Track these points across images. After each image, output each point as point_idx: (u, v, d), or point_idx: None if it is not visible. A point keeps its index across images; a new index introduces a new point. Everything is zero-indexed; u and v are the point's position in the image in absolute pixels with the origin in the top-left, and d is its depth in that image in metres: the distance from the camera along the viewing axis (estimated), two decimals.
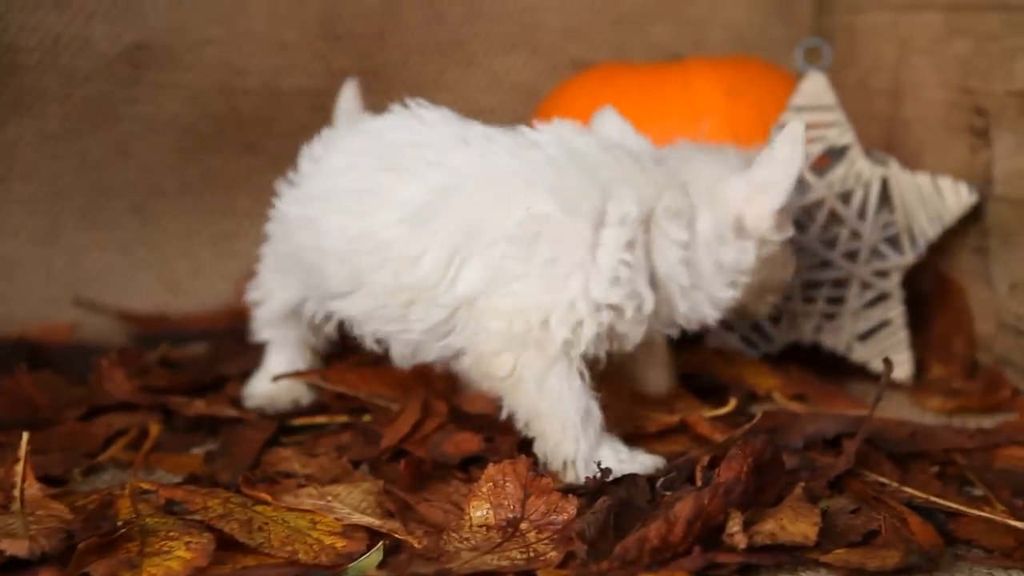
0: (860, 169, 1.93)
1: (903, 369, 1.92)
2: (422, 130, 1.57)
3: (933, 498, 1.40)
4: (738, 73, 2.14)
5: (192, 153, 2.27)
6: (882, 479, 1.45)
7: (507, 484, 1.34)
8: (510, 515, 1.33)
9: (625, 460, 1.50)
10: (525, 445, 1.55)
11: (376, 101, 2.25)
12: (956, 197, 1.91)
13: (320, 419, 1.72)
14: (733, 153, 1.62)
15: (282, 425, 1.69)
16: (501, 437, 1.55)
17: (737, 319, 1.72)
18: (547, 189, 1.47)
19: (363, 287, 1.55)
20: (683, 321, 1.58)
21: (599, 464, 1.45)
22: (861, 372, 1.95)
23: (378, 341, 1.60)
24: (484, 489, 1.34)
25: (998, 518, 1.35)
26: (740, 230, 1.55)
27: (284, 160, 2.15)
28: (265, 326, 1.79)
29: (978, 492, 1.48)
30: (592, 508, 1.32)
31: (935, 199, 1.92)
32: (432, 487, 1.47)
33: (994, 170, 1.91)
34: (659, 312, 1.53)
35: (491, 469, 1.35)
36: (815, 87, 1.94)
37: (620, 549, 1.19)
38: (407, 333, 1.55)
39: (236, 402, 1.78)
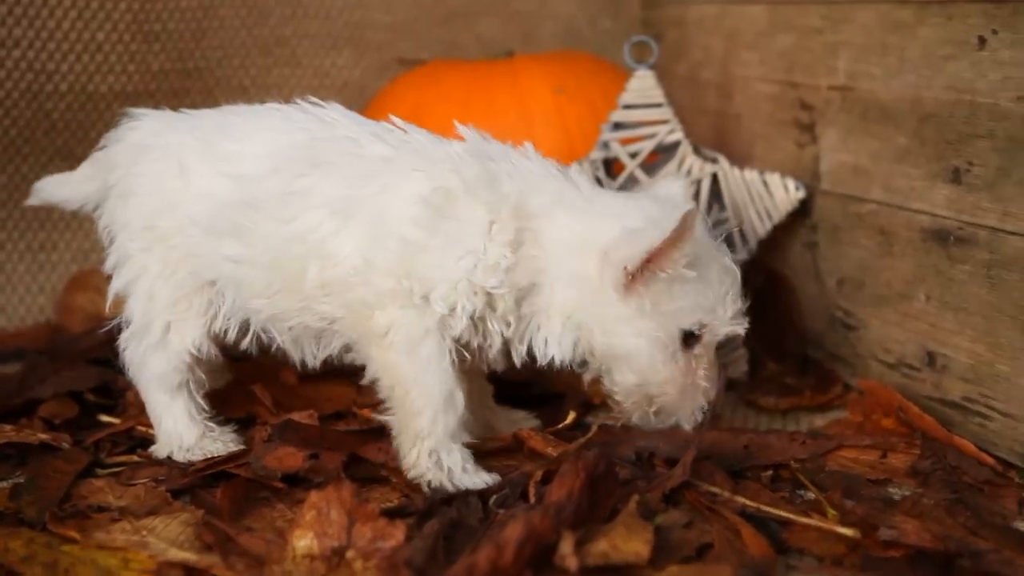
0: (690, 166, 1.92)
1: (739, 367, 1.92)
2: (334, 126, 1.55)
3: (765, 507, 1.39)
4: (567, 69, 2.12)
5: (0, 160, 2.15)
6: (715, 489, 1.43)
7: (331, 511, 1.29)
8: (335, 544, 1.27)
9: (469, 471, 1.47)
10: (352, 463, 1.51)
11: (195, 102, 2.18)
12: (784, 193, 1.91)
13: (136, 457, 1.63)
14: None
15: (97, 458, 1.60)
16: (327, 454, 1.50)
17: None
18: (457, 173, 1.48)
19: (287, 288, 1.50)
20: (530, 348, 1.53)
21: (429, 483, 1.41)
22: None
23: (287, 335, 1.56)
24: (307, 517, 1.28)
25: (827, 526, 1.34)
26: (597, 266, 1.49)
27: None
28: (165, 378, 1.61)
29: (811, 495, 1.47)
30: (421, 532, 1.28)
31: (764, 196, 1.92)
32: (255, 512, 1.41)
33: (820, 165, 1.92)
34: (517, 327, 1.51)
35: (314, 496, 1.29)
36: (643, 84, 1.93)
37: None
38: (320, 322, 1.53)
39: (52, 426, 1.68)
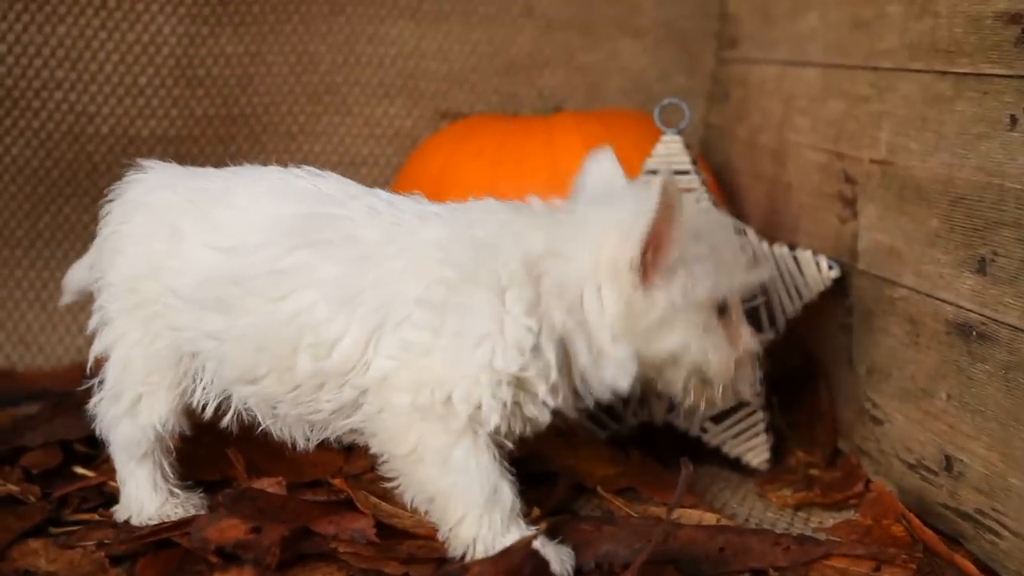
0: None
1: (757, 455, 1.80)
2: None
3: None
4: (605, 128, 2.02)
5: (43, 201, 2.16)
6: None
7: None
8: None
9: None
10: (300, 537, 1.44)
11: (241, 148, 2.16)
12: (816, 272, 1.79)
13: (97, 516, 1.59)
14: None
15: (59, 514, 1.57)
16: (271, 527, 1.44)
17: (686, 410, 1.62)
18: (446, 259, 1.40)
19: (276, 373, 1.44)
20: (594, 389, 1.45)
21: None
22: (718, 454, 1.83)
23: (274, 421, 1.51)
24: None
25: None
26: (609, 275, 1.41)
27: None
28: (132, 446, 1.56)
29: None
30: None
31: (795, 273, 1.80)
32: None
33: (859, 243, 1.79)
34: (567, 380, 1.43)
35: None
36: (669, 150, 1.83)
37: None
38: (315, 415, 1.46)
39: (30, 476, 1.66)
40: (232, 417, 1.53)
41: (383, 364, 1.39)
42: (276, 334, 1.42)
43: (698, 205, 1.52)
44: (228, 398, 1.52)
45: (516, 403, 1.39)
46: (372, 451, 1.45)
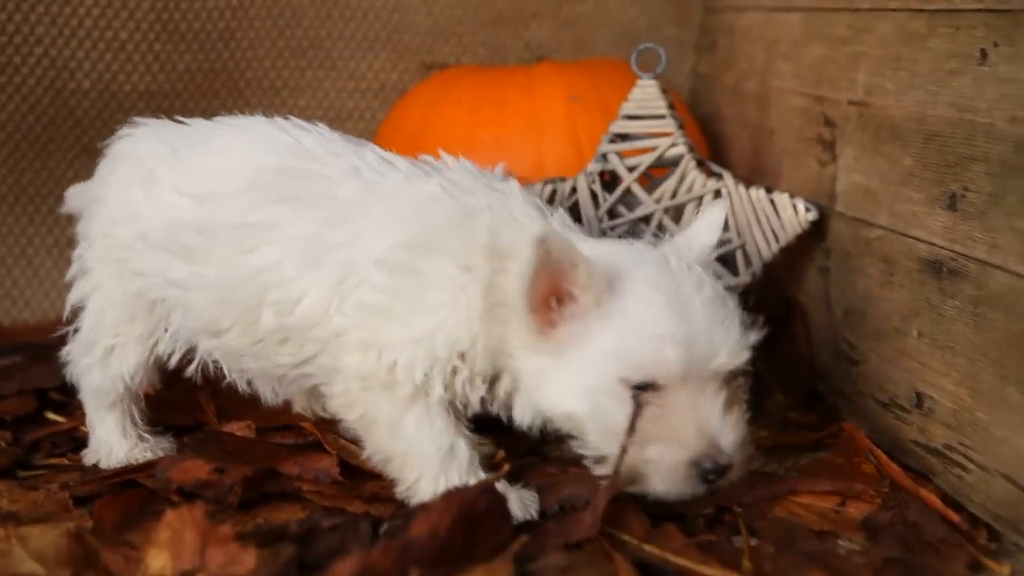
0: (692, 182, 1.79)
1: None
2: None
3: (671, 557, 1.27)
4: (587, 77, 2.01)
5: (26, 156, 2.16)
6: (625, 536, 1.31)
7: (186, 532, 1.22)
8: (188, 566, 1.21)
9: None
10: (264, 477, 1.44)
11: (225, 103, 2.15)
12: (793, 214, 1.77)
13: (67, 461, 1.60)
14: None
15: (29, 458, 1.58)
16: (234, 467, 1.44)
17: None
18: (419, 223, 1.36)
19: (239, 327, 1.43)
20: (520, 408, 1.38)
21: None
22: None
23: (240, 375, 1.51)
24: (163, 537, 1.22)
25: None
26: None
27: None
28: (102, 393, 1.57)
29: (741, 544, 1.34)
30: (275, 559, 1.21)
31: (772, 216, 1.78)
32: (144, 525, 1.35)
33: (837, 186, 1.77)
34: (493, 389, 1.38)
35: (169, 515, 1.23)
36: (645, 94, 1.81)
37: None
38: (277, 369, 1.45)
39: (2, 423, 1.67)
40: (197, 367, 1.52)
41: (340, 322, 1.37)
42: (241, 287, 1.41)
43: (674, 262, 1.32)
44: (194, 348, 1.52)
45: (456, 376, 1.36)
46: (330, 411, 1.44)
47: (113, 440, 1.56)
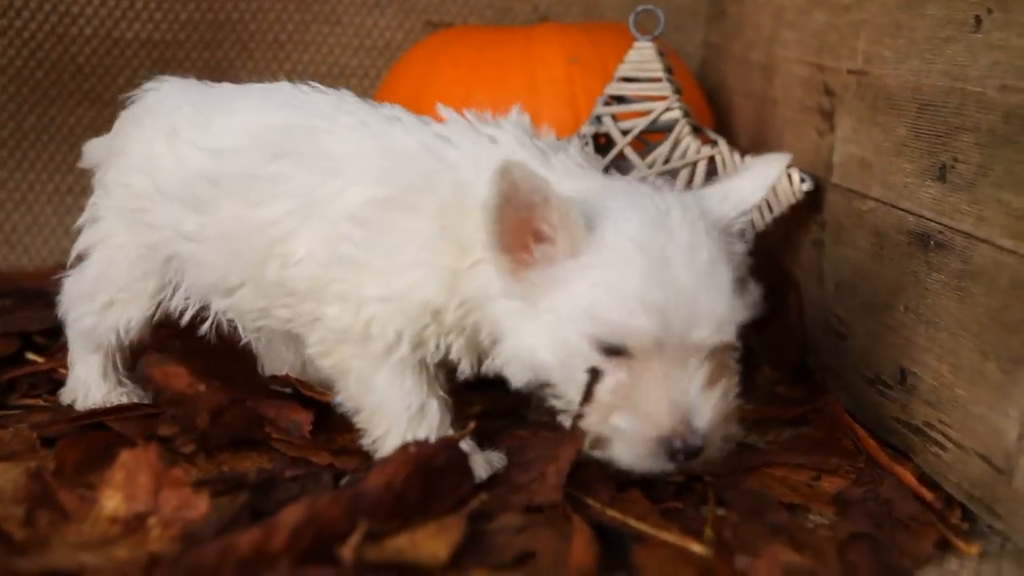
0: (686, 147, 1.76)
1: None
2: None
3: (632, 521, 1.25)
4: (588, 39, 1.98)
5: (28, 102, 2.16)
6: (589, 500, 1.30)
7: (140, 474, 1.21)
8: (141, 508, 1.20)
9: None
10: (232, 411, 1.44)
11: (228, 54, 2.14)
12: (788, 184, 1.74)
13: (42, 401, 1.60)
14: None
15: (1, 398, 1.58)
16: (213, 391, 1.46)
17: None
18: (397, 177, 1.33)
19: (249, 283, 1.42)
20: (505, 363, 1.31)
21: None
22: None
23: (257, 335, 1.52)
24: (117, 477, 1.22)
25: (682, 544, 1.20)
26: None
27: None
28: (90, 336, 1.56)
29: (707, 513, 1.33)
30: (229, 506, 1.20)
31: None
32: (105, 468, 1.33)
33: (834, 156, 1.74)
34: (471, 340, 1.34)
35: (124, 455, 1.22)
36: (642, 56, 1.79)
37: (193, 557, 1.05)
38: (282, 324, 1.45)
39: None
40: (212, 326, 1.51)
41: (322, 274, 1.35)
42: (248, 240, 1.40)
43: (677, 216, 1.22)
44: (207, 308, 1.51)
45: (427, 331, 1.33)
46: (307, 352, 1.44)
47: (92, 381, 1.56)
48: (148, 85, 1.60)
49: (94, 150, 1.66)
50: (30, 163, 2.21)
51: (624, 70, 1.79)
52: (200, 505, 1.19)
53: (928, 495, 1.35)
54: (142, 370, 1.46)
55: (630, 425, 1.20)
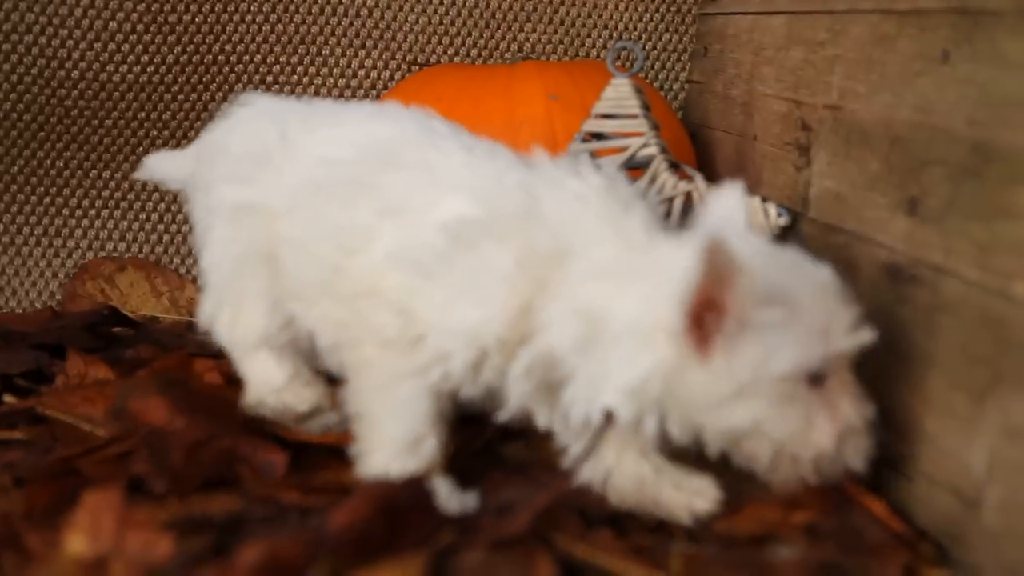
0: (663, 184, 1.77)
1: None
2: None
3: (599, 559, 1.25)
4: (567, 76, 2.00)
5: (16, 145, 2.17)
6: (557, 535, 1.29)
7: (103, 516, 1.22)
8: (104, 549, 1.20)
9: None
10: (207, 450, 1.44)
11: (215, 96, 2.16)
12: (764, 219, 1.74)
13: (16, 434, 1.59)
14: None
15: None
16: (190, 427, 1.44)
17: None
18: (492, 201, 1.35)
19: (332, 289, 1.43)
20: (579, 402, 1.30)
21: None
22: None
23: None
24: (81, 520, 1.22)
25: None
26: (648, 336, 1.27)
27: (117, 154, 2.05)
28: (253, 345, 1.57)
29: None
30: (187, 548, 1.20)
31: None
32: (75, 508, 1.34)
33: (810, 191, 1.74)
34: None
35: (88, 498, 1.22)
36: (618, 93, 1.80)
37: None
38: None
39: None
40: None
41: (388, 275, 1.36)
42: (336, 241, 1.41)
43: (782, 257, 1.29)
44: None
45: (483, 365, 1.33)
46: (327, 341, 1.46)
47: (270, 368, 1.56)
48: (243, 98, 1.65)
49: (164, 163, 1.71)
50: (18, 207, 2.22)
51: (601, 107, 1.80)
52: (164, 546, 1.19)
53: (898, 526, 1.34)
54: (121, 402, 1.45)
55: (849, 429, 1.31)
